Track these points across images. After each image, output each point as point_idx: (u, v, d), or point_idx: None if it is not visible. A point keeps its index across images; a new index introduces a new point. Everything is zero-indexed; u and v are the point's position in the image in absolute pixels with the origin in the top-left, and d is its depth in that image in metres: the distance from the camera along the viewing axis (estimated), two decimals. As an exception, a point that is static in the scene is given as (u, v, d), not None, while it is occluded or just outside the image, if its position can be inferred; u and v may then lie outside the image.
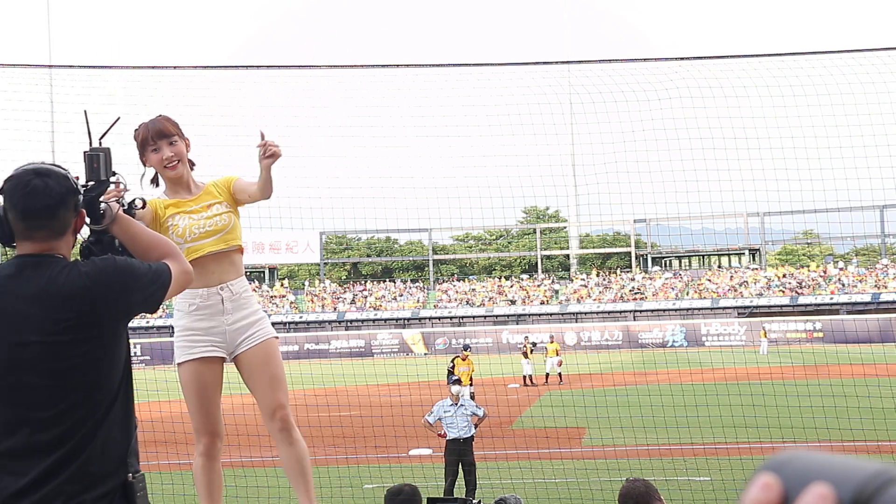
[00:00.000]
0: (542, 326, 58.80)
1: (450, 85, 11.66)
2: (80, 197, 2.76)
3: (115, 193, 3.05)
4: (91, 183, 2.90)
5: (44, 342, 2.62)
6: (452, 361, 20.88)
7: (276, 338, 4.57)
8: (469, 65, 11.83)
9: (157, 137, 4.35)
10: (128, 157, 3.94)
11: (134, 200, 3.16)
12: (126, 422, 2.76)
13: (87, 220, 2.85)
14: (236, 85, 11.13)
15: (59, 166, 2.77)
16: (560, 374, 31.07)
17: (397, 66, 11.44)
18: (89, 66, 11.30)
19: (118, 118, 3.43)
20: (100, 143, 3.11)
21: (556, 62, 13.09)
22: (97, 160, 2.97)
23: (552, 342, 32.56)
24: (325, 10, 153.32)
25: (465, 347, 22.19)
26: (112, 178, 3.00)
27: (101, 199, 2.90)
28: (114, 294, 2.72)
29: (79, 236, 2.87)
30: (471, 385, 19.58)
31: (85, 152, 3.00)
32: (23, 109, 11.78)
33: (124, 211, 2.98)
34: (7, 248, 2.81)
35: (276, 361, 4.49)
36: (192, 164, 4.57)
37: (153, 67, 11.71)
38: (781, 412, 15.58)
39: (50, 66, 12.27)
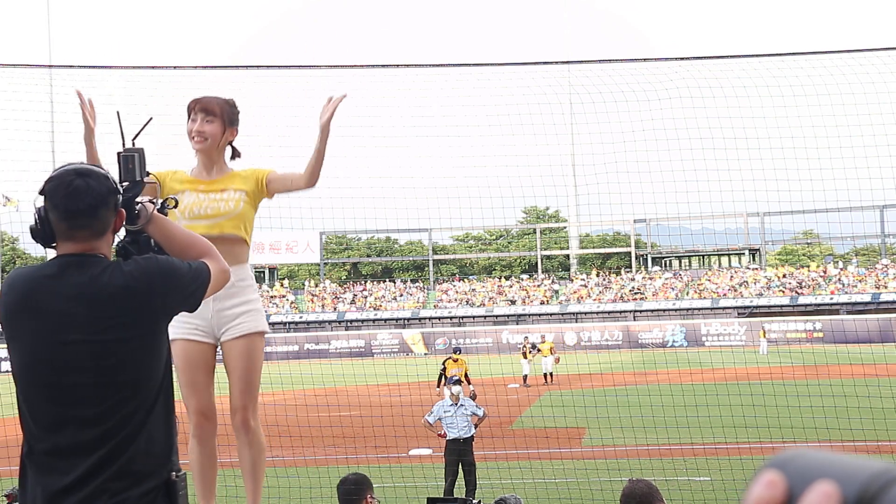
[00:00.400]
0: (542, 326, 58.80)
1: (450, 85, 11.65)
2: (120, 196, 2.79)
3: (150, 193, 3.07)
4: (126, 183, 2.92)
5: (88, 341, 2.64)
6: (444, 364, 20.77)
7: (263, 333, 4.51)
8: (469, 65, 11.81)
9: (199, 110, 4.48)
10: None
11: (166, 200, 3.16)
12: (167, 420, 2.78)
13: (121, 228, 2.86)
14: (236, 85, 11.12)
15: (98, 166, 2.81)
16: (551, 374, 31.02)
17: (397, 66, 11.43)
18: (89, 66, 11.29)
19: (150, 119, 3.45)
20: (133, 144, 3.12)
21: (556, 62, 13.08)
22: (132, 161, 2.98)
23: (544, 341, 32.56)
24: (325, 10, 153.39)
25: (456, 350, 22.03)
26: (146, 179, 3.02)
27: (136, 199, 2.91)
28: (156, 293, 2.75)
29: (115, 236, 2.89)
30: (469, 384, 19.51)
31: (119, 153, 3.01)
32: (23, 109, 11.77)
33: (157, 210, 2.99)
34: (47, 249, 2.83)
35: (251, 358, 4.42)
36: (236, 153, 4.61)
37: (153, 67, 11.70)
38: (781, 412, 15.58)
39: (50, 66, 12.27)
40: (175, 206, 3.29)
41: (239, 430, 4.41)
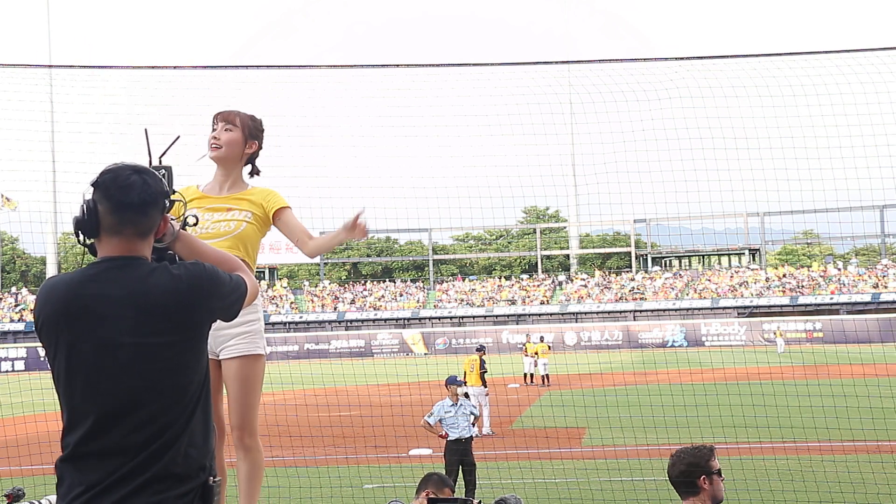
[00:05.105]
0: (542, 326, 58.83)
1: (449, 85, 11.64)
2: (167, 202, 2.80)
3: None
4: None
5: (136, 344, 2.63)
6: (482, 360, 20.01)
7: (260, 356, 4.45)
8: (469, 65, 11.81)
9: (219, 119, 4.49)
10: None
11: (187, 217, 3.15)
12: (206, 424, 2.78)
13: (161, 234, 2.86)
14: (237, 85, 11.12)
15: (151, 169, 2.82)
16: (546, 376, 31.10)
17: (397, 65, 11.43)
18: (89, 66, 11.29)
19: (178, 137, 3.44)
20: (160, 161, 3.13)
21: (556, 62, 13.06)
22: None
23: (541, 341, 32.66)
24: (325, 10, 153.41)
25: (480, 348, 21.40)
26: (173, 196, 3.00)
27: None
28: (203, 297, 2.75)
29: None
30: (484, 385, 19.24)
31: None
32: (23, 109, 11.77)
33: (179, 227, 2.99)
34: (87, 252, 2.80)
35: (246, 380, 4.39)
36: (255, 170, 4.58)
37: (153, 67, 11.68)
38: (781, 412, 15.59)
39: (50, 66, 12.26)
40: (196, 224, 3.27)
41: (236, 446, 4.42)
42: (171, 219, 2.93)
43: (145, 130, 3.20)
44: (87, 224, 2.70)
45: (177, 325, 2.68)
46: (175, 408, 2.67)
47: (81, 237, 2.74)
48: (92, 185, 2.71)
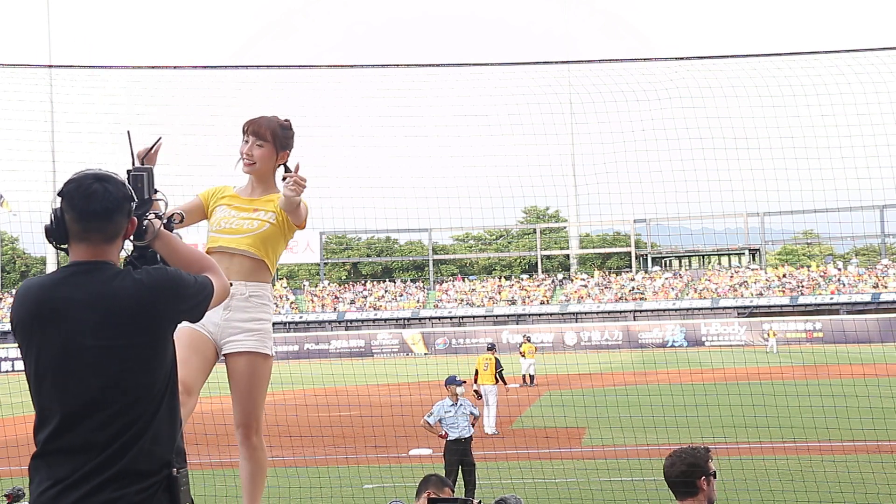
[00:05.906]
0: (542, 326, 58.82)
1: (449, 85, 11.63)
2: (134, 204, 2.90)
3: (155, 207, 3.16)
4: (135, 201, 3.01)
5: (100, 346, 2.74)
6: (497, 359, 19.81)
7: (267, 356, 4.46)
8: (469, 64, 11.81)
9: (250, 133, 4.56)
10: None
11: (172, 216, 3.24)
12: (172, 420, 2.88)
13: (131, 235, 2.97)
14: (237, 85, 11.12)
15: (115, 174, 2.92)
16: (531, 376, 31.22)
17: (397, 65, 11.42)
18: (89, 66, 11.30)
19: (160, 139, 3.54)
20: (142, 163, 3.25)
21: (556, 62, 13.06)
22: (141, 180, 3.10)
23: (528, 341, 32.94)
24: (325, 10, 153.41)
25: (491, 347, 21.20)
26: (155, 196, 3.13)
27: (145, 216, 3.02)
28: (166, 301, 2.86)
29: (122, 252, 2.98)
30: (505, 383, 19.18)
31: (128, 171, 3.11)
32: (23, 109, 11.76)
33: (164, 226, 3.09)
34: (60, 255, 2.90)
35: (251, 379, 4.42)
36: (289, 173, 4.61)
37: (153, 67, 11.69)
38: (781, 412, 15.59)
39: (50, 66, 12.26)
40: (181, 222, 3.35)
41: (241, 444, 4.46)
42: (158, 216, 3.05)
43: (128, 133, 3.31)
44: (56, 232, 2.84)
45: (140, 328, 2.79)
46: (138, 406, 2.78)
47: (53, 244, 2.87)
48: (58, 194, 2.83)
